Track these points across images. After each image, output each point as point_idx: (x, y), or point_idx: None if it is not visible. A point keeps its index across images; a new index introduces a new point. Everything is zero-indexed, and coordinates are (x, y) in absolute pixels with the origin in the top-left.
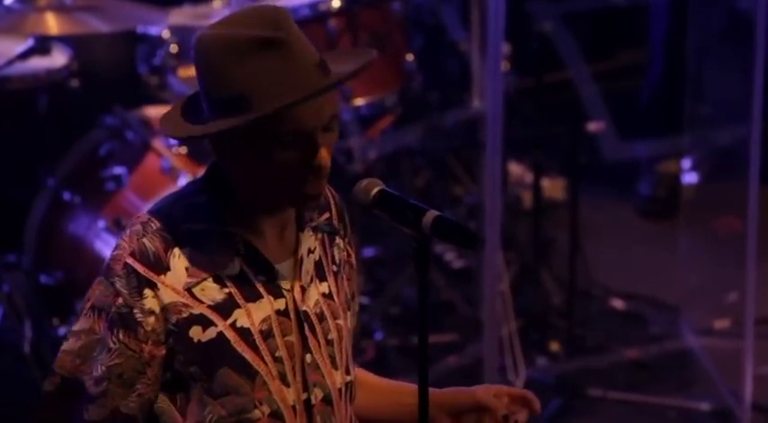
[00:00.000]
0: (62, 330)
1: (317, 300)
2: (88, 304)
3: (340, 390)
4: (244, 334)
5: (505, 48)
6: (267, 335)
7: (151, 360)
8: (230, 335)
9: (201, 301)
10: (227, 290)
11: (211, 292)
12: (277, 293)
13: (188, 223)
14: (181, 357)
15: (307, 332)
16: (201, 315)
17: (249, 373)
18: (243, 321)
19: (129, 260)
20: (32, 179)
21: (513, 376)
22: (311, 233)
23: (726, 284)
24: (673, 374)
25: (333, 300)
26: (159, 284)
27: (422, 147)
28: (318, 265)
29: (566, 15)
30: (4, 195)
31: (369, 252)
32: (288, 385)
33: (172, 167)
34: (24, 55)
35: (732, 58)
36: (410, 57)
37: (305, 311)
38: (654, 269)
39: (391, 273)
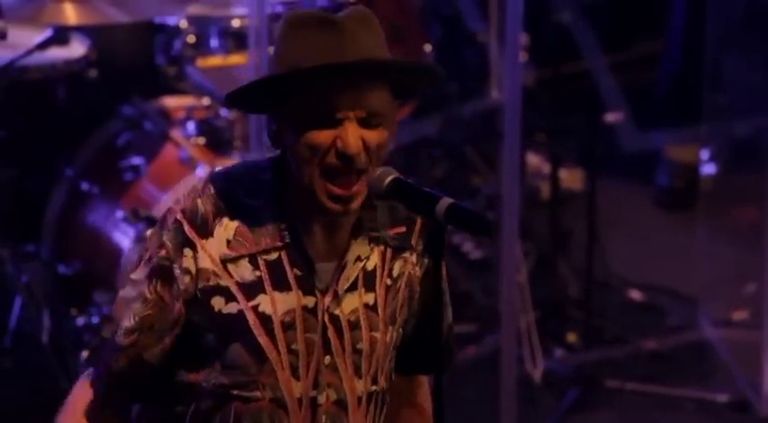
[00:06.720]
0: (80, 320)
1: (356, 308)
2: (147, 254)
3: (360, 397)
4: (263, 319)
5: (523, 38)
6: (288, 326)
7: (180, 317)
8: (250, 316)
9: (231, 276)
10: (258, 273)
11: (243, 270)
12: (308, 290)
13: (245, 197)
14: (199, 323)
15: (330, 335)
16: (227, 288)
17: (260, 356)
18: (265, 307)
19: (180, 216)
20: (51, 169)
21: (531, 367)
22: (368, 242)
23: (744, 275)
24: (690, 366)
25: (375, 312)
26: (199, 248)
27: (440, 137)
28: (368, 275)
29: (584, 6)
30: (22, 185)
31: None
32: (298, 379)
33: (190, 158)
34: (43, 45)
35: (751, 48)
36: (428, 47)
37: (336, 315)
38: (672, 260)
39: None
